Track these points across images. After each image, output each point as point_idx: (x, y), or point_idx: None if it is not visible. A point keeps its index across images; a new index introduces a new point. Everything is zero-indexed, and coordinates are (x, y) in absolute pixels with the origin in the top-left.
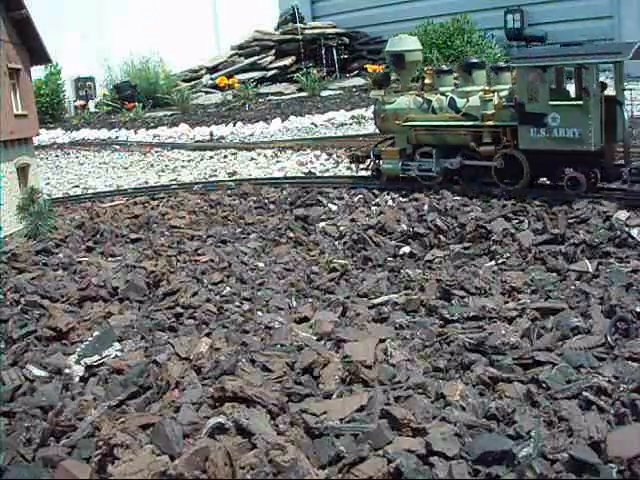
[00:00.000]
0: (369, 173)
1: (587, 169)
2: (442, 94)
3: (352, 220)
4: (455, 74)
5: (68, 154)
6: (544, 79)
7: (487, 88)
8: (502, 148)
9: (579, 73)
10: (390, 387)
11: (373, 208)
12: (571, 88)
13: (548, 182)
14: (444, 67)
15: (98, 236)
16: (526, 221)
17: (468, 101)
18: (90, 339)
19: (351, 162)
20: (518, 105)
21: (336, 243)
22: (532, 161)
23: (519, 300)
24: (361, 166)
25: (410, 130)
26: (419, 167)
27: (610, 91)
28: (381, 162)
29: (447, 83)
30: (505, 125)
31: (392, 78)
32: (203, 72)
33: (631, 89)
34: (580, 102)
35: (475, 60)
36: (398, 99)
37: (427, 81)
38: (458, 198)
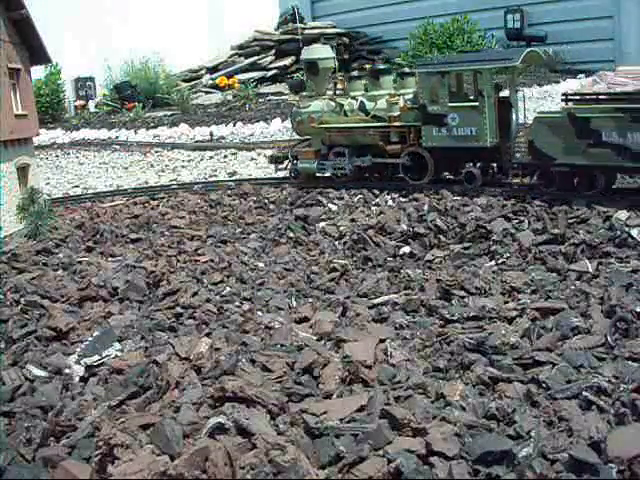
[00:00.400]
0: (287, 173)
1: (485, 164)
2: (353, 98)
3: (352, 220)
4: (365, 79)
5: (68, 154)
6: (444, 83)
7: (393, 92)
8: (408, 146)
9: (475, 77)
10: (390, 387)
11: (373, 208)
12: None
13: (451, 176)
14: (355, 73)
15: (98, 236)
16: (526, 221)
17: (376, 104)
18: (90, 339)
19: (270, 163)
20: (421, 107)
21: (336, 243)
22: (435, 157)
23: (519, 300)
24: (280, 167)
25: (324, 132)
26: (333, 166)
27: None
28: (298, 162)
29: (357, 88)
30: (410, 125)
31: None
32: (203, 72)
33: (524, 91)
34: (476, 103)
35: (382, 66)
36: (313, 104)
37: (339, 86)
38: (458, 198)
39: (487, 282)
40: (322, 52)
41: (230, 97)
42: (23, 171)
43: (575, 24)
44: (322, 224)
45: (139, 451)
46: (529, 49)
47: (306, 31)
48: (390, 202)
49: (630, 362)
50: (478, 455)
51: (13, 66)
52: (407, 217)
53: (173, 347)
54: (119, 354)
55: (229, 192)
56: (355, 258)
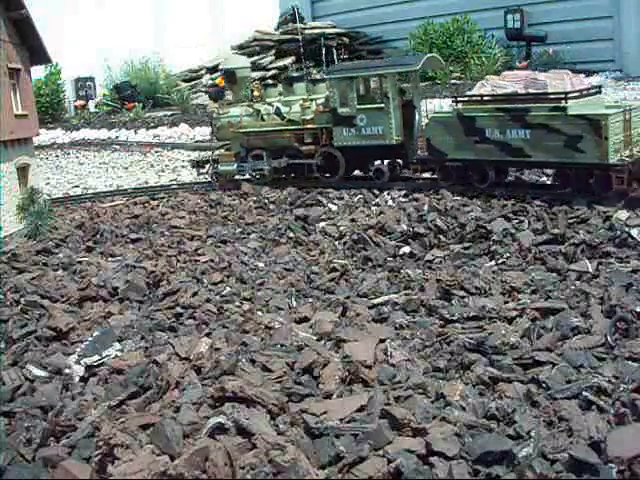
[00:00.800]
0: (209, 177)
1: (391, 161)
2: (269, 104)
3: (352, 220)
4: (279, 87)
5: (68, 154)
6: (352, 88)
7: (306, 97)
8: (321, 147)
9: (380, 81)
10: (390, 387)
11: (373, 208)
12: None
13: (361, 173)
14: (269, 81)
15: (98, 236)
16: (526, 221)
17: (291, 109)
18: (90, 339)
19: (192, 167)
20: (332, 110)
21: (336, 243)
22: (346, 156)
23: (519, 300)
24: (201, 171)
25: (243, 136)
26: (252, 167)
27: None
28: (219, 166)
29: (273, 95)
30: (322, 127)
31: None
32: (203, 72)
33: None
34: (382, 105)
35: (295, 74)
36: (231, 110)
37: (256, 93)
38: (458, 198)
39: (487, 282)
40: (240, 62)
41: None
42: (23, 171)
43: (575, 24)
44: (322, 224)
45: (139, 451)
46: (429, 55)
47: (306, 31)
48: (390, 202)
49: (630, 362)
50: (478, 455)
51: (13, 66)
52: (407, 217)
53: (173, 347)
54: (119, 354)
55: (228, 192)
56: (355, 258)
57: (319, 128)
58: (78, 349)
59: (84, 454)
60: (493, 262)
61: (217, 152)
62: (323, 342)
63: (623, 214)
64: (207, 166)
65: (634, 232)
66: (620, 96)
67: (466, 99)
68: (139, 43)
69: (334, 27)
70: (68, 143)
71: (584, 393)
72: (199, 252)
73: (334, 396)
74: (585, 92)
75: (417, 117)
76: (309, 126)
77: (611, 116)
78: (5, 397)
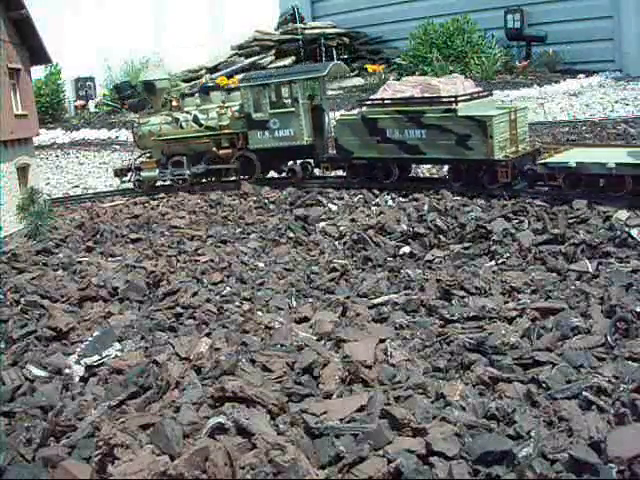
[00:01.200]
0: (131, 185)
1: (303, 160)
2: (187, 112)
3: (352, 220)
4: (196, 96)
5: (68, 154)
6: (265, 94)
7: (222, 105)
8: (238, 150)
9: (291, 87)
10: (390, 387)
11: (373, 208)
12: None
13: (276, 174)
14: (186, 91)
15: (98, 236)
16: (526, 221)
17: (208, 116)
18: (90, 339)
19: (115, 176)
20: (247, 115)
21: (336, 243)
22: (261, 158)
23: (519, 300)
24: (124, 179)
25: (163, 144)
26: (173, 173)
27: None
28: (142, 173)
29: (190, 104)
30: (238, 132)
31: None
32: (203, 72)
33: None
34: (293, 109)
35: (211, 84)
36: (151, 119)
37: (174, 103)
38: (458, 198)
39: (487, 282)
40: (159, 74)
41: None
42: (23, 171)
43: (575, 24)
44: (322, 224)
45: (139, 451)
46: (334, 62)
47: (306, 31)
48: (390, 202)
49: (630, 362)
50: (478, 455)
51: (13, 66)
52: (407, 217)
53: (173, 347)
54: (119, 354)
55: (229, 192)
56: (355, 258)
57: (235, 133)
58: (78, 349)
59: (84, 454)
60: (493, 262)
61: (139, 160)
62: (323, 342)
63: (623, 214)
64: (129, 174)
65: (634, 232)
66: (620, 96)
67: (369, 103)
68: (139, 43)
69: (334, 27)
70: (68, 143)
71: (584, 393)
72: (199, 252)
73: (334, 396)
74: (476, 95)
75: (326, 119)
76: (226, 131)
77: (495, 117)
78: (5, 397)
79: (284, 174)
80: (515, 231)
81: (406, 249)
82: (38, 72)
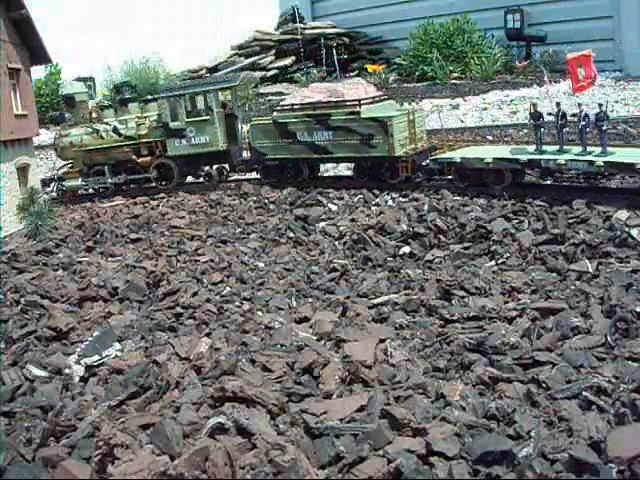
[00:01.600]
0: (55, 194)
1: (219, 165)
2: (107, 123)
3: (352, 220)
4: (115, 108)
5: None
6: (181, 104)
7: (140, 115)
8: (156, 157)
9: (205, 97)
10: (390, 387)
11: (373, 208)
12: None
13: (193, 178)
14: (105, 103)
15: (98, 236)
16: (526, 221)
17: (127, 126)
18: (90, 339)
19: (42, 186)
20: (165, 125)
21: (336, 243)
22: (179, 164)
23: (519, 300)
24: (47, 189)
25: (85, 154)
26: (95, 182)
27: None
28: (65, 182)
29: (109, 115)
30: (156, 140)
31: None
32: (203, 72)
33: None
34: (207, 117)
35: (128, 96)
36: (72, 131)
37: (94, 115)
38: (458, 198)
39: (487, 282)
40: (78, 88)
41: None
42: (23, 171)
43: (575, 24)
44: (322, 224)
45: (139, 451)
46: (246, 72)
47: (306, 31)
48: (390, 202)
49: (630, 362)
50: (478, 455)
51: (13, 66)
52: (407, 217)
53: (173, 347)
54: (119, 354)
55: (229, 192)
56: (355, 258)
57: (153, 141)
58: (78, 349)
59: (84, 454)
60: (493, 262)
61: (62, 170)
62: (323, 342)
63: (623, 214)
64: (52, 184)
65: (634, 232)
66: (620, 96)
67: (280, 108)
68: (139, 43)
69: (334, 27)
70: None
71: (584, 393)
72: (199, 252)
73: (334, 396)
74: (377, 99)
75: (239, 126)
76: (144, 140)
77: (395, 117)
78: (5, 397)
79: (201, 179)
80: (515, 231)
81: (406, 249)
82: (38, 72)
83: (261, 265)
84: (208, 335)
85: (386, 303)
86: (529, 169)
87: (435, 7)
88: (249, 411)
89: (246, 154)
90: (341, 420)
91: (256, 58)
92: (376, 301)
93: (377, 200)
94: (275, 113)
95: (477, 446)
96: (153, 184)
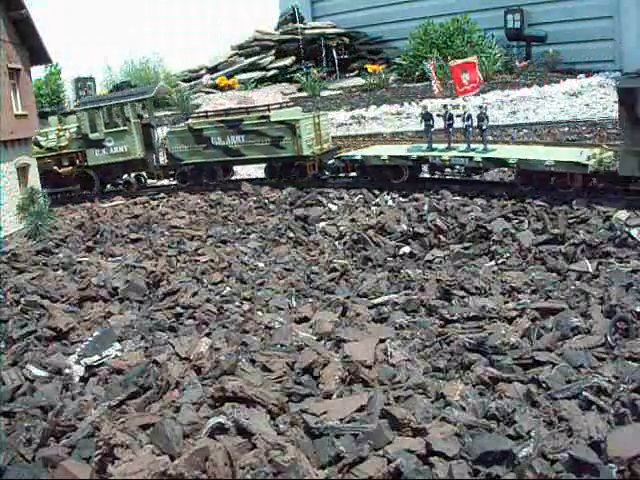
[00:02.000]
0: None
1: (137, 173)
2: None
3: (352, 220)
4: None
5: None
6: (99, 116)
7: (60, 127)
8: (77, 167)
9: (122, 109)
10: (390, 387)
11: (373, 208)
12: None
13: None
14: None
15: (98, 236)
16: (526, 221)
17: (48, 138)
18: (90, 339)
19: None
20: (84, 136)
21: (336, 243)
22: (99, 173)
23: (519, 300)
24: None
25: None
26: None
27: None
28: None
29: None
30: (77, 151)
31: None
32: (203, 72)
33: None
34: (125, 128)
35: (48, 109)
36: None
37: None
38: (458, 198)
39: (487, 282)
40: None
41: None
42: (23, 171)
43: (575, 24)
44: (322, 224)
45: (139, 451)
46: (160, 84)
47: (306, 31)
48: (390, 202)
49: (630, 362)
50: (478, 455)
51: (13, 66)
52: (407, 217)
53: (173, 347)
54: (119, 354)
55: (229, 192)
56: (355, 258)
57: (74, 152)
58: (78, 349)
59: (84, 454)
60: (493, 262)
61: None
62: (323, 342)
63: (623, 214)
64: None
65: (634, 232)
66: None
67: (195, 115)
68: (139, 43)
69: (334, 27)
70: None
71: (584, 393)
72: (199, 252)
73: (334, 396)
74: (284, 105)
75: (155, 135)
76: (65, 151)
77: (302, 120)
78: (5, 397)
79: (120, 186)
80: (515, 231)
81: (406, 249)
82: (38, 72)
83: (261, 265)
84: (208, 335)
85: (386, 303)
86: (420, 165)
87: (435, 7)
88: (249, 411)
89: (163, 160)
90: (341, 420)
91: (256, 58)
92: (376, 301)
93: (377, 200)
94: (190, 120)
95: (477, 446)
96: (76, 192)
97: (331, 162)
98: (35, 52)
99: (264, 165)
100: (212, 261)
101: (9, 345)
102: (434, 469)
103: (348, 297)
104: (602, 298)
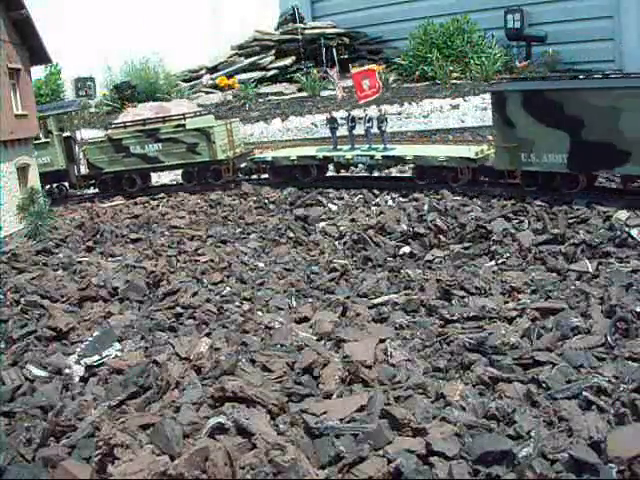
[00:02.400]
0: None
1: (60, 182)
2: None
3: (352, 220)
4: None
5: None
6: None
7: None
8: None
9: (45, 122)
10: (390, 387)
11: (373, 208)
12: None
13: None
14: None
15: (98, 236)
16: (526, 221)
17: None
18: (90, 339)
19: None
20: None
21: (336, 243)
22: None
23: (519, 300)
24: None
25: None
26: None
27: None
28: None
29: None
30: None
31: None
32: (203, 72)
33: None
34: (48, 140)
35: None
36: None
37: None
38: (458, 198)
39: (487, 282)
40: None
41: (230, 97)
42: (23, 171)
43: (575, 24)
44: (322, 224)
45: (139, 451)
46: (80, 99)
47: (306, 31)
48: (390, 202)
49: (630, 362)
50: (478, 455)
51: (13, 66)
52: (407, 217)
53: (173, 347)
54: (119, 354)
55: (229, 192)
56: (355, 258)
57: None
58: (78, 349)
59: (84, 454)
60: (493, 262)
61: None
62: (323, 342)
63: (623, 214)
64: None
65: (634, 232)
66: None
67: (114, 125)
68: (139, 43)
69: (334, 27)
70: None
71: (584, 393)
72: (199, 252)
73: (334, 396)
74: (199, 113)
75: (75, 147)
76: None
77: (215, 127)
78: (5, 397)
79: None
80: (515, 231)
81: (406, 249)
82: (38, 72)
83: (261, 265)
84: (208, 335)
85: (386, 303)
86: (327, 164)
87: (435, 7)
88: (249, 411)
89: (83, 170)
90: (341, 420)
91: (256, 58)
92: (376, 301)
93: (377, 200)
94: (109, 131)
95: (477, 446)
96: None
97: (244, 165)
98: (35, 52)
99: (180, 171)
100: (212, 261)
101: (9, 345)
102: (434, 469)
103: (348, 297)
104: (602, 298)
